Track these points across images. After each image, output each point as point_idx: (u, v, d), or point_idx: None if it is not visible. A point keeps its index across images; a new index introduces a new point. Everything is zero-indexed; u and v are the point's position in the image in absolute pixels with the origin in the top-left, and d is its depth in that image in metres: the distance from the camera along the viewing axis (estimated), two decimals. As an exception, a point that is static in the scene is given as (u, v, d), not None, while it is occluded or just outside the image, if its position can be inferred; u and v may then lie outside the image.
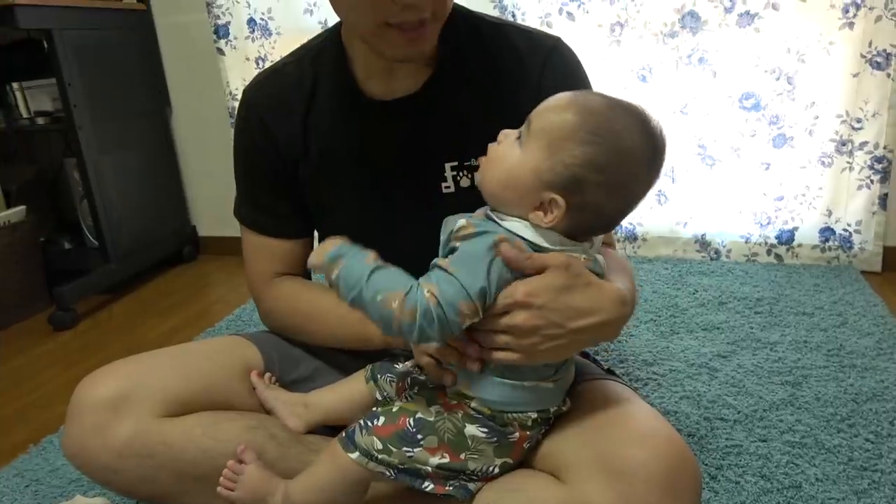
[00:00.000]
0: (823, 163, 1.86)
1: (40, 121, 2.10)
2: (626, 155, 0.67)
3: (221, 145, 2.32)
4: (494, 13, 1.90)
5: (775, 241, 1.96)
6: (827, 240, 1.92)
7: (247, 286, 1.01)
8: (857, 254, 1.89)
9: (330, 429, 0.91)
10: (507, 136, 0.72)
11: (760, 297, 1.72)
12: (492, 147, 0.73)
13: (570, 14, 1.89)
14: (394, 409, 0.75)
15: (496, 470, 0.74)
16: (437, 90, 0.86)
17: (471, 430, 0.72)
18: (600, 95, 0.71)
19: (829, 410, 1.23)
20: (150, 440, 0.81)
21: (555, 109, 0.69)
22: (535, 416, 0.73)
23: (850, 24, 1.72)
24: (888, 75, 1.72)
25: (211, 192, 2.43)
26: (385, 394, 0.85)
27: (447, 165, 0.87)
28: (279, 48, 2.14)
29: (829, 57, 1.76)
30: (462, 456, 0.73)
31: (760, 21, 1.78)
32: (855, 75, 1.75)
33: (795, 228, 1.93)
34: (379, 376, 0.86)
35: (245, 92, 0.94)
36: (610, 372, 0.92)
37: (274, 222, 0.95)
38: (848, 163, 1.83)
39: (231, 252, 2.38)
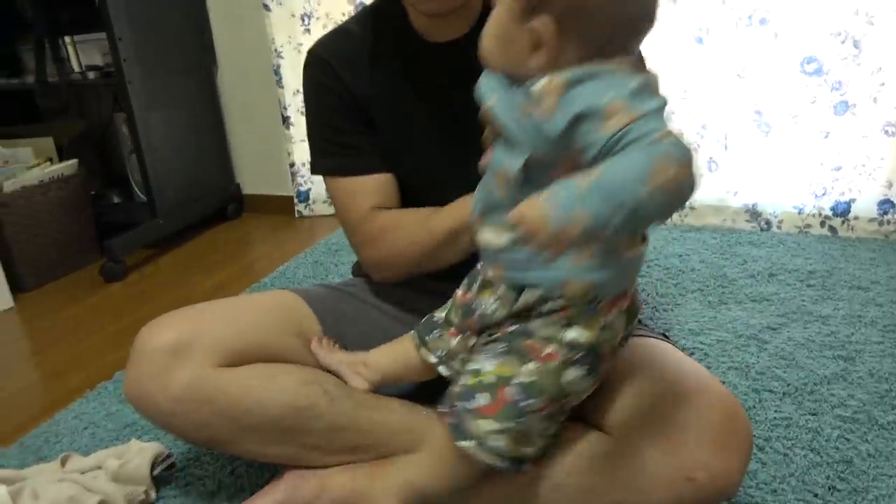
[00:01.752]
0: (887, 132, 1.77)
1: (91, 75, 2.13)
2: None
3: (266, 103, 2.33)
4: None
5: (830, 213, 1.89)
6: (885, 213, 1.84)
7: (345, 232, 1.01)
8: (917, 228, 1.82)
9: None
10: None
11: (813, 270, 1.67)
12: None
13: (625, -29, 1.82)
14: (486, 381, 0.70)
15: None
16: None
17: (567, 375, 0.68)
18: None
19: (884, 387, 1.19)
20: (208, 387, 0.83)
21: None
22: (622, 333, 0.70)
23: (926, -16, 1.62)
24: (964, 40, 1.63)
25: (256, 151, 2.44)
26: (440, 352, 0.83)
27: None
28: (325, 4, 2.13)
29: (900, 19, 1.67)
30: (564, 401, 0.71)
31: (828, -20, 1.69)
32: (927, 39, 1.66)
33: (853, 200, 1.86)
34: (427, 338, 0.85)
35: (312, 50, 0.98)
36: (664, 336, 0.91)
37: (360, 160, 0.97)
38: (914, 132, 1.75)
39: (274, 211, 2.41)
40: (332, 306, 1.00)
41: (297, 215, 2.38)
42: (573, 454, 0.74)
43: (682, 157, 0.53)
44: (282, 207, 2.39)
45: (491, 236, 0.71)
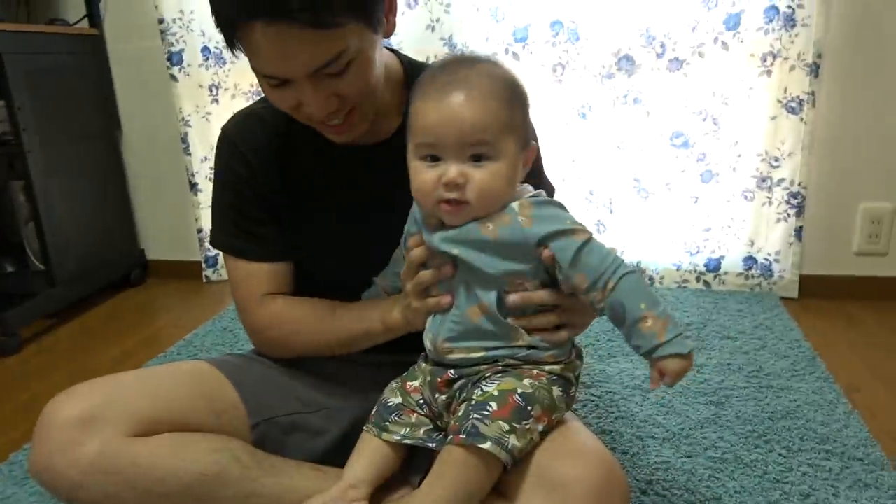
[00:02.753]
0: (746, 197, 2.01)
1: (-14, 143, 2.07)
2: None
3: (172, 170, 2.34)
4: (444, 51, 2.00)
5: (703, 269, 2.10)
6: (750, 268, 2.07)
7: (237, 309, 1.06)
8: (776, 281, 2.05)
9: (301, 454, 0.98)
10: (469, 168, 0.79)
11: (690, 322, 1.85)
12: (478, 177, 0.79)
13: (515, 54, 2.01)
14: (494, 393, 0.79)
15: None
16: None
17: (556, 391, 0.82)
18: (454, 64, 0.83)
19: (748, 428, 1.34)
20: (118, 458, 0.83)
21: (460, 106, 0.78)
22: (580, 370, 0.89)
23: (768, 72, 1.89)
24: (801, 119, 1.89)
25: (160, 216, 2.44)
26: (405, 431, 0.88)
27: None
28: (233, 76, 2.19)
29: (749, 101, 1.93)
30: (553, 417, 0.82)
31: (688, 66, 1.93)
32: (773, 118, 1.92)
33: (722, 257, 2.08)
34: (386, 424, 0.89)
35: (225, 129, 1.01)
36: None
37: (260, 248, 1.01)
38: (767, 197, 1.99)
39: (181, 276, 2.39)
40: (248, 371, 1.03)
41: (204, 280, 2.37)
42: None
43: None
44: (188, 273, 2.38)
45: (463, 355, 0.85)
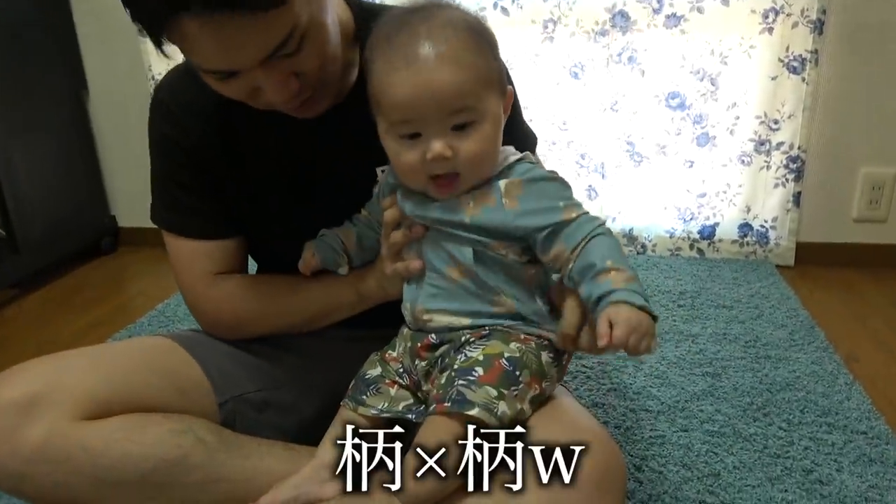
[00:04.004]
0: (743, 161, 1.94)
1: (-60, 101, 1.95)
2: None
3: (143, 132, 2.20)
4: None
5: (697, 236, 2.03)
6: (745, 235, 2.00)
7: (182, 294, 0.96)
8: (772, 249, 1.99)
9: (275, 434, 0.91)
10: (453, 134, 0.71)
11: (683, 291, 1.79)
12: (465, 147, 0.71)
13: (504, 9, 1.90)
14: (479, 358, 0.73)
15: None
16: (363, 98, 0.80)
17: (545, 356, 0.76)
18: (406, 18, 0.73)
19: (746, 400, 1.29)
20: (66, 444, 0.76)
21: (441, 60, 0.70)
22: None
23: (770, 29, 1.80)
24: (803, 79, 1.81)
25: (132, 181, 2.31)
26: (382, 405, 0.81)
27: (378, 170, 0.86)
28: (205, 32, 2.06)
29: (749, 60, 1.84)
30: (543, 385, 0.75)
31: (686, 23, 1.83)
32: (773, 78, 1.83)
33: (716, 224, 2.01)
34: (364, 398, 0.82)
35: (157, 91, 0.90)
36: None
37: (203, 224, 0.91)
38: (766, 162, 1.92)
39: (153, 244, 2.28)
40: (213, 346, 0.95)
41: (169, 261, 2.26)
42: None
43: None
44: (161, 241, 2.25)
45: (450, 319, 0.78)
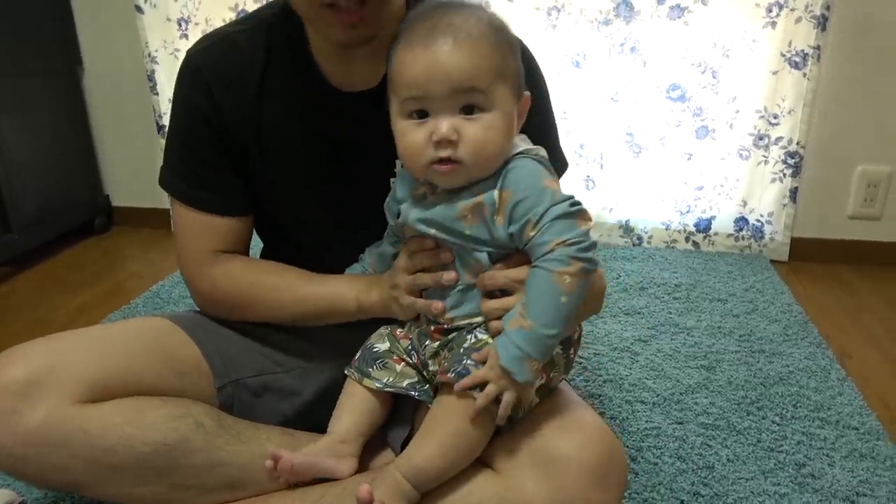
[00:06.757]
0: (741, 155, 1.94)
1: (-69, 74, 1.91)
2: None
3: (139, 110, 2.20)
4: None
5: (693, 229, 2.04)
6: (741, 229, 2.01)
7: (179, 265, 0.94)
8: (767, 243, 2.00)
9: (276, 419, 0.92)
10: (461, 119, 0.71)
11: (679, 283, 1.79)
12: (471, 132, 0.70)
13: (507, -5, 1.88)
14: (489, 341, 0.73)
15: None
16: None
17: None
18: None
19: (740, 394, 1.30)
20: (65, 427, 0.76)
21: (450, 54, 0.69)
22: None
23: (773, 24, 1.79)
24: (804, 74, 1.81)
25: (127, 160, 2.29)
26: (387, 379, 0.82)
27: (398, 162, 0.85)
28: (204, 9, 2.03)
29: (751, 53, 1.83)
30: (552, 375, 0.78)
31: (690, 15, 1.82)
32: (774, 73, 1.83)
33: (713, 217, 2.02)
34: (371, 370, 0.83)
35: (190, 56, 0.87)
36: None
37: (217, 199, 0.89)
38: (764, 156, 1.92)
39: (148, 224, 2.27)
40: (213, 328, 0.94)
41: (173, 229, 2.25)
42: (461, 494, 0.74)
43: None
44: (156, 221, 2.25)
45: (469, 319, 0.78)
